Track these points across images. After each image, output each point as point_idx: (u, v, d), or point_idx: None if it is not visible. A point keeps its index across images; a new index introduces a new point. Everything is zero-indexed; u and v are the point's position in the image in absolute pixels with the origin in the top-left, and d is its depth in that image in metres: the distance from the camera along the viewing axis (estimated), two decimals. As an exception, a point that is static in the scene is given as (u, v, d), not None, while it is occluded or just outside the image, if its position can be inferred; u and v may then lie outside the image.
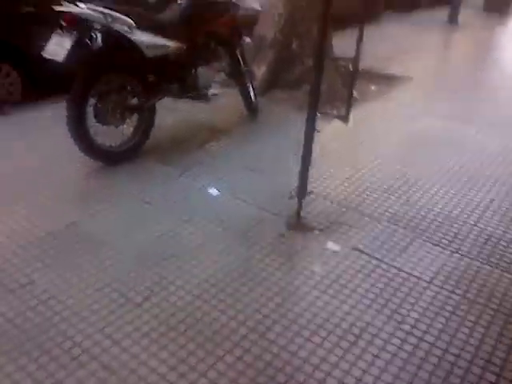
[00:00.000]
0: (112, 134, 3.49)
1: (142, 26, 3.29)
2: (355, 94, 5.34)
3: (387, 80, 5.96)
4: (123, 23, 3.17)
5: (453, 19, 10.00)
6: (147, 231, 2.84)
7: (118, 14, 3.14)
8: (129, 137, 3.58)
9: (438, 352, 2.09)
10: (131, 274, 2.47)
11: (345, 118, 2.88)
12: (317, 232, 2.94)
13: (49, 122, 4.10)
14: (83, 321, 2.16)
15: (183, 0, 3.67)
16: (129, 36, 3.22)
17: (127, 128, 3.57)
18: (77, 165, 3.51)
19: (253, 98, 4.47)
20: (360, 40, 2.56)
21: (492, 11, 11.29)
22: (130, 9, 3.32)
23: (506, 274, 2.70)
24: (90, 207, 3.04)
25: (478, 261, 2.79)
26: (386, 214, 3.19)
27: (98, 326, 2.13)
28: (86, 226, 2.87)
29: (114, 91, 3.33)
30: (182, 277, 2.47)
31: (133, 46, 3.27)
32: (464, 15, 10.13)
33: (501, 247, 2.93)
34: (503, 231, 3.10)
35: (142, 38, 3.30)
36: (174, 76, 3.74)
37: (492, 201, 3.45)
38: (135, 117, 3.56)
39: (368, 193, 3.42)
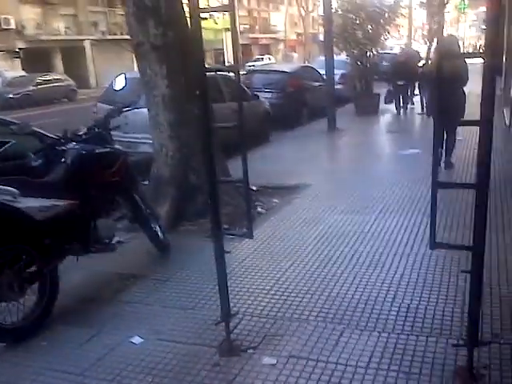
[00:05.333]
0: (13, 308, 3.20)
1: (28, 192, 3.22)
2: (260, 209, 5.59)
3: (288, 191, 6.29)
4: (5, 193, 3.09)
5: (331, 127, 11.05)
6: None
7: None
8: (32, 308, 3.31)
9: None
10: None
11: (249, 234, 2.97)
12: (251, 351, 2.90)
13: None
14: None
15: (68, 158, 3.65)
16: (14, 205, 3.11)
17: (29, 298, 3.30)
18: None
19: (161, 236, 4.46)
20: (244, 159, 2.75)
21: (363, 115, 12.71)
22: (12, 179, 3.26)
23: (430, 339, 2.87)
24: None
25: (403, 334, 2.94)
26: (312, 314, 3.25)
27: None
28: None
29: (7, 264, 3.11)
30: None
31: (20, 214, 3.14)
32: (341, 121, 11.23)
33: (419, 315, 3.14)
34: (417, 300, 3.33)
35: (29, 203, 3.21)
36: (72, 234, 3.62)
37: (400, 276, 3.70)
38: (36, 285, 3.34)
39: (292, 298, 3.47)
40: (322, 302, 3.38)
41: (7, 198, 3.10)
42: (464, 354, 2.54)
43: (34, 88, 24.30)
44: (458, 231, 4.41)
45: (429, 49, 26.80)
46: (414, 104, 13.36)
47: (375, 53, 13.57)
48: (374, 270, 3.83)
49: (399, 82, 12.37)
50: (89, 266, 4.09)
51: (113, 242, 3.94)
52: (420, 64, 14.30)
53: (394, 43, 28.22)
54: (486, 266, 2.42)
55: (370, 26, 13.10)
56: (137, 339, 3.14)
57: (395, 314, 3.18)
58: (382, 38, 13.76)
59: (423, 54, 19.71)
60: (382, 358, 2.71)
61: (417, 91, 13.19)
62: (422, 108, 11.76)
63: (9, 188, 3.12)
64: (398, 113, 12.69)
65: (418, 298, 3.35)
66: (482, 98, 2.14)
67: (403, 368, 2.62)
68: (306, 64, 21.59)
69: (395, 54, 16.52)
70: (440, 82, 2.41)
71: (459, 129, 6.52)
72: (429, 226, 2.38)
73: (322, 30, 17.43)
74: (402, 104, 12.68)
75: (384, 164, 7.63)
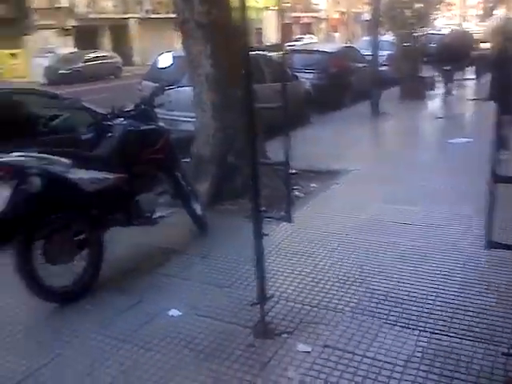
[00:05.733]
0: (63, 272, 3.40)
1: (78, 163, 3.38)
2: (298, 193, 5.53)
3: (328, 175, 6.17)
4: (59, 164, 3.26)
5: (375, 110, 10.77)
6: (112, 367, 2.71)
7: (52, 157, 3.23)
8: (80, 273, 3.51)
9: None
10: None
11: (288, 218, 2.94)
12: (285, 335, 2.89)
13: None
14: None
15: (115, 133, 3.78)
16: (66, 175, 3.28)
17: (78, 264, 3.50)
18: (30, 310, 3.38)
19: (200, 213, 4.52)
20: (287, 142, 2.72)
21: (409, 98, 12.32)
22: (64, 150, 3.42)
23: (478, 344, 2.71)
24: (50, 352, 2.88)
25: (447, 335, 2.80)
26: (350, 304, 3.19)
27: None
28: (49, 373, 2.70)
29: (59, 230, 3.33)
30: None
31: (72, 184, 3.32)
32: (385, 105, 10.91)
33: (467, 318, 2.97)
34: (462, 301, 3.15)
35: (80, 175, 3.37)
36: (117, 206, 3.78)
37: (446, 274, 3.52)
38: (85, 252, 3.53)
39: (328, 286, 3.42)
40: (361, 294, 3.30)
41: (61, 168, 3.27)
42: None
43: (83, 64, 25.32)
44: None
45: (484, 29, 25.69)
46: (460, 89, 12.74)
47: (424, 33, 13.09)
48: (417, 264, 3.65)
49: (445, 67, 11.64)
50: (132, 239, 4.24)
51: (154, 216, 4.04)
52: (474, 46, 13.67)
53: (443, 23, 27.01)
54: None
55: (419, 5, 12.64)
56: (174, 312, 3.22)
57: (438, 313, 3.02)
58: (432, 18, 13.24)
59: (477, 35, 18.63)
60: (422, 359, 2.60)
61: (468, 75, 12.55)
62: (478, 93, 11.19)
63: (62, 159, 3.29)
64: (445, 99, 11.90)
65: (465, 299, 3.16)
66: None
67: (445, 372, 2.50)
68: (349, 44, 21.12)
69: (443, 34, 14.94)
70: (502, 64, 2.22)
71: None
72: (481, 222, 2.22)
73: (365, 9, 16.80)
74: (447, 90, 11.98)
75: (431, 152, 7.33)
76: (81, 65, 25.07)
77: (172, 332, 3.00)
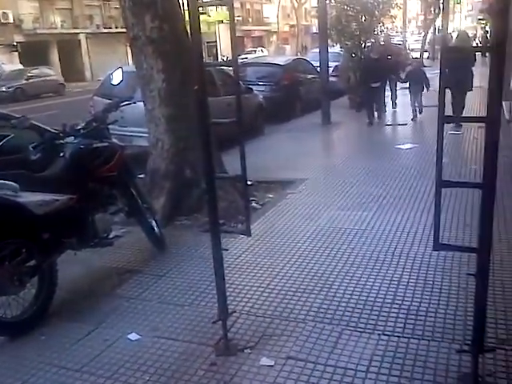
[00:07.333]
0: (13, 302, 3.22)
1: (27, 186, 3.21)
2: (255, 204, 5.55)
3: (283, 185, 6.26)
4: (6, 188, 3.08)
5: (326, 120, 11.02)
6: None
7: None
8: (31, 302, 3.32)
9: None
10: None
11: (247, 232, 2.94)
12: (248, 351, 2.87)
13: None
14: None
15: (67, 152, 3.65)
16: (14, 199, 3.10)
17: (29, 292, 3.31)
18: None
19: (157, 231, 4.44)
20: (243, 156, 2.71)
21: (356, 108, 12.55)
22: (12, 173, 3.25)
23: (432, 343, 2.80)
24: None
25: (404, 337, 2.89)
26: (310, 313, 3.22)
27: None
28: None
29: (7, 258, 3.14)
30: None
31: (21, 208, 3.14)
32: (335, 114, 11.20)
33: (420, 318, 3.07)
34: (418, 303, 3.25)
35: (29, 198, 3.20)
36: (71, 229, 3.62)
37: (401, 276, 3.64)
38: (36, 279, 3.35)
39: (288, 297, 3.44)
40: (320, 302, 3.34)
41: (8, 192, 3.08)
42: (468, 360, 2.48)
43: (26, 82, 24.34)
44: (458, 229, 4.27)
45: (424, 41, 26.62)
46: (395, 107, 12.27)
47: (369, 44, 13.42)
48: (372, 268, 3.78)
49: (373, 85, 10.47)
50: (86, 261, 4.10)
51: (110, 236, 3.93)
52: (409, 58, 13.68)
53: (389, 34, 27.72)
54: (490, 268, 2.34)
55: (364, 18, 13.03)
56: (134, 336, 3.12)
57: (395, 315, 3.12)
58: (377, 30, 13.64)
59: (415, 46, 18.60)
60: (382, 362, 2.66)
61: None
62: (415, 114, 10.52)
63: (9, 182, 3.11)
64: (370, 123, 10.48)
65: (419, 300, 3.27)
66: (489, 94, 2.05)
67: (405, 373, 2.56)
68: (300, 56, 21.48)
69: (369, 47, 12.64)
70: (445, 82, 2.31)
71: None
72: (430, 223, 2.32)
73: (315, 21, 17.01)
74: (376, 111, 10.78)
75: (381, 158, 7.55)
76: (23, 82, 24.08)
77: (132, 357, 2.89)
